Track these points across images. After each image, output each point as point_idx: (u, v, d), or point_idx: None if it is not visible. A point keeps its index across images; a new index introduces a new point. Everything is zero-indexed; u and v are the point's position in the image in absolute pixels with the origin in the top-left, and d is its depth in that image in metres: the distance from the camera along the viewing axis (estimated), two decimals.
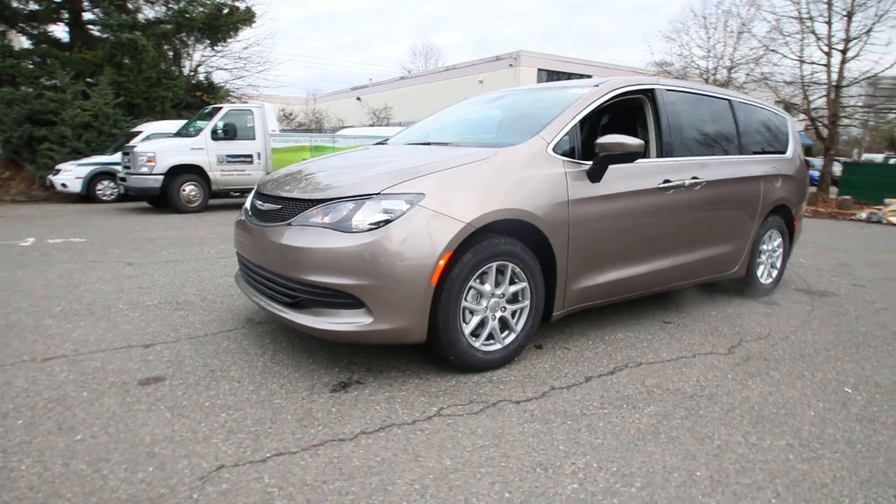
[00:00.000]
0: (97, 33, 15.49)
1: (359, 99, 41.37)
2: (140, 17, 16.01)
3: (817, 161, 20.85)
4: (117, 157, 11.40)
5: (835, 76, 17.43)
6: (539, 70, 32.93)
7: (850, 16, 16.82)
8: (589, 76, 33.59)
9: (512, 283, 2.75)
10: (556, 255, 2.85)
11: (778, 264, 4.54)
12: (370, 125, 27.80)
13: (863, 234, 9.21)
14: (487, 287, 2.65)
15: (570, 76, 33.69)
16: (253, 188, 3.23)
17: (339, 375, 2.62)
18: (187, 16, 15.81)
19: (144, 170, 9.41)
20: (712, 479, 1.88)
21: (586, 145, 3.11)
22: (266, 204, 2.88)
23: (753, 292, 4.33)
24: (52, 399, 2.30)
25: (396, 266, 2.37)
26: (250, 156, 10.30)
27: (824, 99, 18.27)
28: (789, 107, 18.17)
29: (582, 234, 2.94)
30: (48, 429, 2.06)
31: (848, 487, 1.86)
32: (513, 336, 2.79)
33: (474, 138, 3.61)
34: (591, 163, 3.00)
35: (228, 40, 17.47)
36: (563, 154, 2.97)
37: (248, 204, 3.20)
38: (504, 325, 2.77)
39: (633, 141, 2.92)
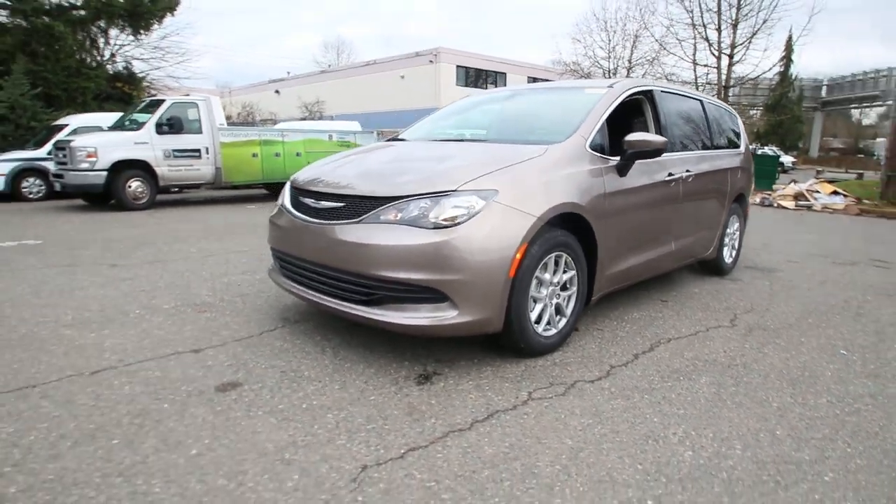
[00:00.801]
0: (3, 19, 13.66)
1: (277, 92, 39.92)
2: (51, 2, 14.26)
3: None
4: (42, 151, 10.44)
5: (724, 77, 19.46)
6: (458, 67, 33.55)
7: (735, 25, 18.85)
8: (503, 74, 34.86)
9: (563, 272, 2.92)
10: (598, 244, 3.05)
11: (736, 245, 5.10)
12: (302, 118, 27.40)
13: (764, 216, 10.41)
14: (547, 276, 2.80)
15: (487, 73, 34.77)
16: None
17: (412, 369, 2.65)
18: (106, 2, 14.33)
19: (85, 165, 8.58)
20: (791, 436, 2.17)
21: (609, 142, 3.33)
22: (322, 202, 2.80)
23: (719, 271, 4.84)
24: (133, 413, 2.14)
25: (480, 260, 2.44)
26: (198, 150, 9.70)
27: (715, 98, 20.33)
28: None
29: (615, 225, 3.16)
30: (154, 446, 1.93)
31: (893, 434, 2.23)
32: (564, 321, 2.97)
33: (507, 135, 3.69)
34: (618, 158, 3.23)
35: (152, 29, 16.12)
36: (594, 150, 3.17)
37: (286, 201, 3.09)
38: (558, 310, 2.94)
39: (658, 138, 3.19)
